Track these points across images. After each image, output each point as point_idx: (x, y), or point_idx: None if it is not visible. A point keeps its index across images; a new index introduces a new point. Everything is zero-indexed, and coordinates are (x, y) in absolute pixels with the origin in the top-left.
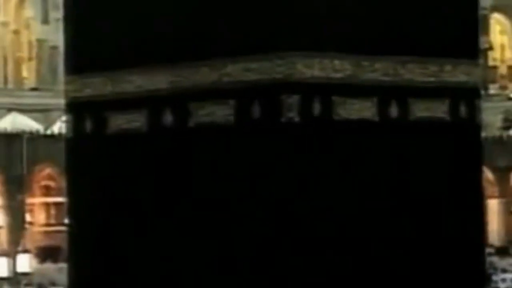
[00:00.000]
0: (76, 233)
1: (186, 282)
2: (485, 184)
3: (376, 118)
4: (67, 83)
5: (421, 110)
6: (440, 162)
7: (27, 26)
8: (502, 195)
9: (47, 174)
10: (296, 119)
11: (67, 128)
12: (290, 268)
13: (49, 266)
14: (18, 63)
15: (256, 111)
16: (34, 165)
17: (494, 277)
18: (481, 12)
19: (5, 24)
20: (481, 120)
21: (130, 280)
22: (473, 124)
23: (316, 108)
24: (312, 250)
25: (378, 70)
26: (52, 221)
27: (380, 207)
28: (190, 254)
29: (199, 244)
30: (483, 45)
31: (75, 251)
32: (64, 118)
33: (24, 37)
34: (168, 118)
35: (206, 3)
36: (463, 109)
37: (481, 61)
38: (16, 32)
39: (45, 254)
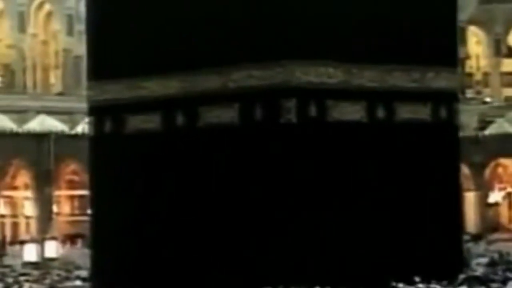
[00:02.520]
0: (97, 222)
1: (198, 266)
2: (462, 179)
3: (365, 120)
4: (89, 88)
5: (406, 112)
6: (422, 158)
7: (54, 38)
8: (477, 188)
9: (72, 169)
10: (294, 120)
11: (90, 128)
12: (288, 252)
13: (74, 251)
14: (46, 71)
15: (258, 113)
16: (60, 161)
17: (470, 261)
18: (459, 25)
19: (34, 35)
20: (459, 121)
21: (144, 263)
22: (452, 125)
23: (312, 110)
24: (310, 233)
25: (367, 77)
26: (76, 211)
27: (368, 198)
28: (200, 241)
29: (208, 231)
30: (460, 54)
31: (96, 238)
32: (86, 119)
33: (52, 47)
34: (180, 119)
35: (213, 18)
36: (443, 112)
37: (459, 69)
38: (44, 43)
39: (70, 240)
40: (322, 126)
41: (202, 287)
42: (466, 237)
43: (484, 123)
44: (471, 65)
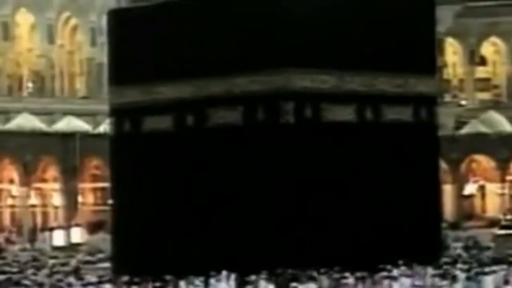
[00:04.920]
0: (117, 211)
1: (207, 251)
2: (440, 173)
3: (355, 121)
4: (110, 93)
5: (391, 114)
6: (405, 154)
7: (79, 48)
8: (454, 181)
9: (94, 165)
10: (292, 121)
11: (110, 128)
12: (284, 239)
13: (97, 237)
14: (72, 77)
15: (260, 114)
16: (85, 158)
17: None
18: (438, 37)
19: (62, 46)
20: (438, 122)
21: (157, 247)
22: (432, 125)
23: (308, 112)
24: (305, 221)
25: (356, 82)
26: (99, 201)
27: (358, 190)
28: (208, 228)
29: (216, 219)
30: (439, 63)
31: (116, 225)
32: (108, 120)
33: (77, 56)
34: (190, 120)
35: (220, 30)
36: (424, 114)
37: (437, 75)
38: (70, 53)
39: (94, 227)
40: (317, 126)
41: (212, 269)
42: (444, 225)
43: (460, 124)
44: (448, 72)
